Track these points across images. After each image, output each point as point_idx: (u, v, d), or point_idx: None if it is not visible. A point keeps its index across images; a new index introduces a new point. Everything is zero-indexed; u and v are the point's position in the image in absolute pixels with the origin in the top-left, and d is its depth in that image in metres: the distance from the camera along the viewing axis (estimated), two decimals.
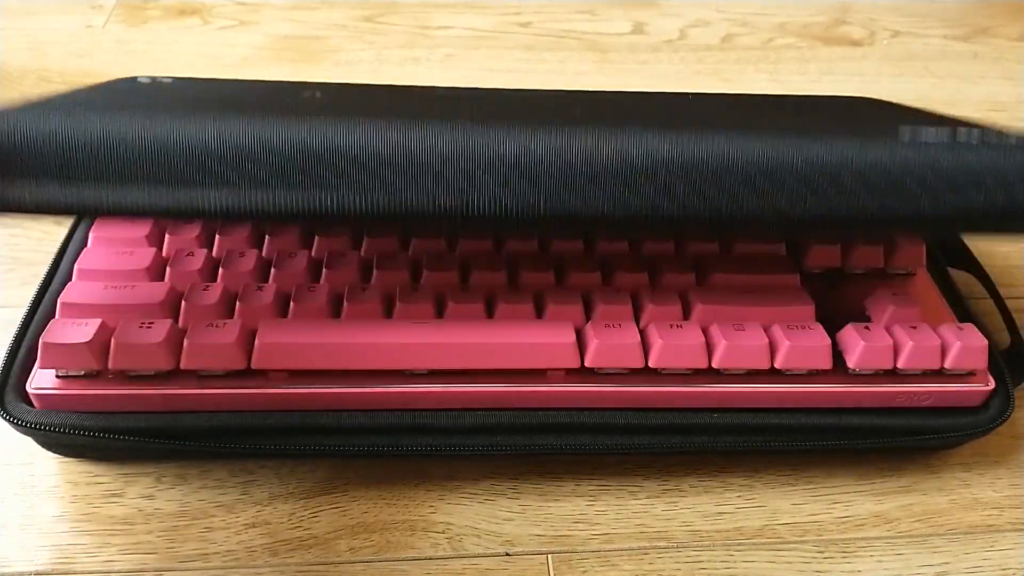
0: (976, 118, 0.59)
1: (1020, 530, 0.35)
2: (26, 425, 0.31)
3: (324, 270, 0.35)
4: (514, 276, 0.36)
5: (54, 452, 0.34)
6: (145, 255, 0.35)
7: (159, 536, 0.32)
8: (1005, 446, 0.38)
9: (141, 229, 0.36)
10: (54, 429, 0.31)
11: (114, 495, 0.34)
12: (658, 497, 0.35)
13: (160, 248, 0.36)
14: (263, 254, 0.36)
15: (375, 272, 0.35)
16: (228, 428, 0.32)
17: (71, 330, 0.31)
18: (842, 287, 0.39)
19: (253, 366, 0.32)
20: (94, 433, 0.31)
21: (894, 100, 0.60)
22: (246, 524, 0.33)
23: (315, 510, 0.34)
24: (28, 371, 0.32)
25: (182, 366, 0.31)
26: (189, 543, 0.32)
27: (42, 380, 0.32)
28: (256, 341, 0.32)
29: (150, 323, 0.32)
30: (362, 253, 0.37)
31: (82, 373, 0.31)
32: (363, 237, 0.37)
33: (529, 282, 0.36)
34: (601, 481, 0.35)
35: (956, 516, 0.35)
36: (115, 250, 0.35)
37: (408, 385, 0.33)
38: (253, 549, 0.32)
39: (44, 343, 0.31)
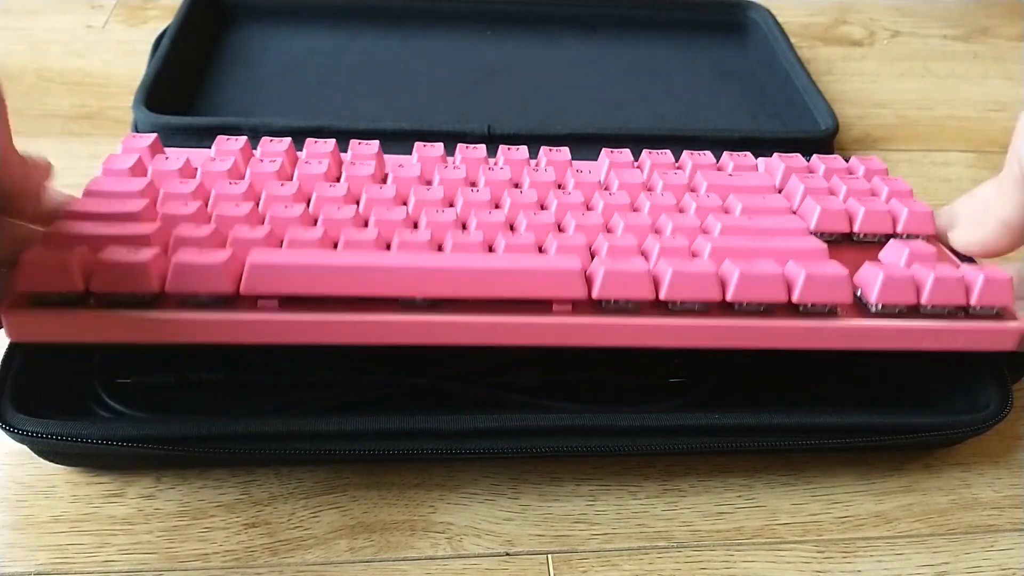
0: (976, 118, 0.59)
1: (1020, 530, 0.35)
2: (21, 433, 0.31)
3: (321, 216, 0.34)
4: (515, 227, 0.35)
5: (50, 460, 0.34)
6: (138, 202, 0.33)
7: (159, 536, 0.32)
8: (1005, 446, 0.38)
9: (137, 184, 0.35)
10: (49, 437, 0.31)
11: (114, 495, 0.34)
12: (658, 497, 0.35)
13: (154, 203, 0.34)
14: (259, 208, 0.35)
15: (373, 218, 0.34)
16: (227, 434, 0.31)
17: (53, 251, 0.29)
18: (853, 255, 0.37)
19: (242, 291, 0.30)
20: (90, 441, 0.31)
21: (894, 100, 0.60)
22: (246, 524, 0.33)
23: (315, 510, 0.34)
24: (24, 382, 0.31)
25: (167, 289, 0.30)
26: (189, 543, 0.32)
27: (20, 305, 0.29)
28: (247, 263, 0.30)
29: (137, 249, 0.30)
30: (360, 209, 0.35)
31: (61, 299, 0.29)
32: (361, 195, 0.36)
33: (531, 229, 0.34)
34: (601, 481, 0.35)
35: (956, 516, 0.35)
36: (107, 200, 0.33)
37: (405, 315, 0.31)
38: (253, 549, 0.32)
39: (24, 260, 0.29)
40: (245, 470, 0.35)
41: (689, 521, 0.34)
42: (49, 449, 0.33)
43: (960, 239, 0.37)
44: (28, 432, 0.31)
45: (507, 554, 0.33)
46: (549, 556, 0.33)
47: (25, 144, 0.53)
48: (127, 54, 0.58)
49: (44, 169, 0.33)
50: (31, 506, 0.33)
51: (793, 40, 0.59)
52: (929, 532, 0.35)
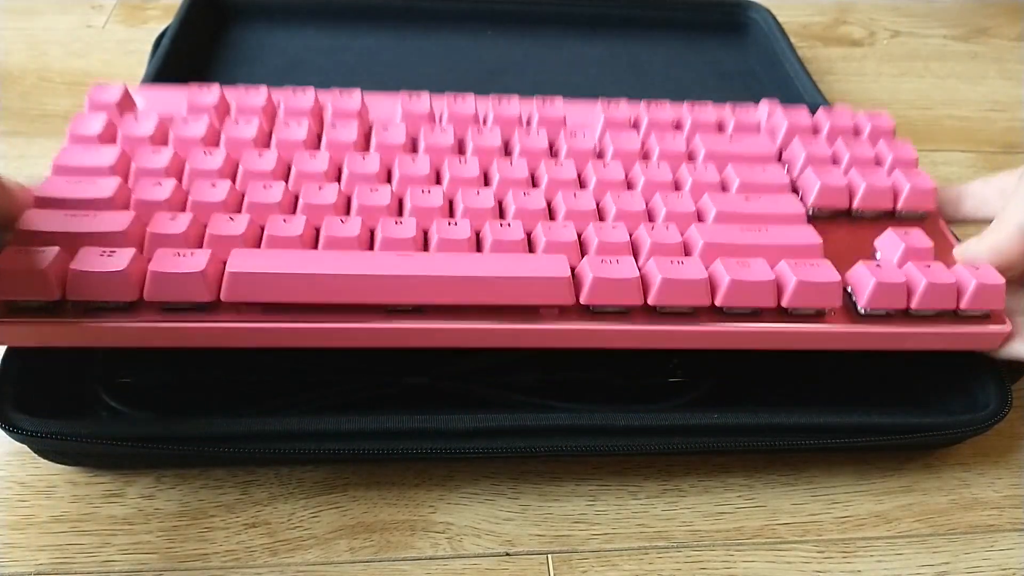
0: (975, 118, 0.59)
1: (1020, 530, 0.35)
2: (21, 433, 0.31)
3: (301, 201, 0.34)
4: (504, 210, 0.35)
5: (50, 460, 0.34)
6: (109, 185, 0.33)
7: (159, 536, 0.32)
8: (1005, 446, 0.38)
9: (107, 156, 0.34)
10: (49, 437, 0.31)
11: (114, 495, 0.34)
12: (658, 497, 0.35)
13: (126, 179, 0.34)
14: (236, 185, 0.34)
15: (356, 203, 0.34)
16: (227, 434, 0.31)
17: (27, 256, 0.29)
18: (851, 231, 0.37)
19: (223, 298, 0.30)
20: (90, 440, 0.31)
21: (894, 100, 0.60)
22: (246, 524, 0.33)
23: (315, 510, 0.34)
24: (24, 382, 0.31)
25: (145, 297, 0.30)
26: (189, 543, 0.32)
27: None
28: (226, 271, 0.30)
29: (112, 252, 0.30)
30: (342, 186, 0.35)
31: (38, 306, 0.29)
32: (343, 167, 0.36)
33: (520, 216, 0.34)
34: (601, 481, 0.35)
35: (956, 516, 0.35)
36: (77, 179, 0.33)
37: (391, 322, 0.31)
38: (253, 549, 0.32)
39: None
40: (245, 470, 0.35)
41: (689, 521, 0.34)
42: (49, 449, 0.33)
43: (972, 246, 0.36)
44: (28, 432, 0.31)
45: (507, 554, 0.33)
46: (549, 556, 0.33)
47: (25, 144, 0.53)
48: (127, 54, 0.58)
49: (23, 196, 0.33)
50: (31, 506, 0.33)
51: (793, 40, 0.59)
52: (929, 532, 0.35)
